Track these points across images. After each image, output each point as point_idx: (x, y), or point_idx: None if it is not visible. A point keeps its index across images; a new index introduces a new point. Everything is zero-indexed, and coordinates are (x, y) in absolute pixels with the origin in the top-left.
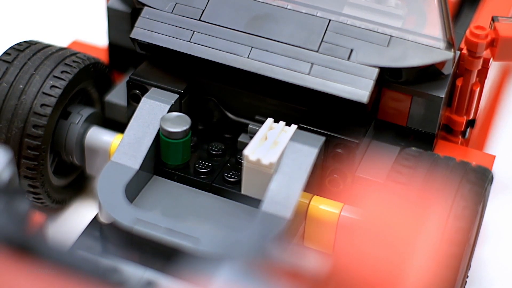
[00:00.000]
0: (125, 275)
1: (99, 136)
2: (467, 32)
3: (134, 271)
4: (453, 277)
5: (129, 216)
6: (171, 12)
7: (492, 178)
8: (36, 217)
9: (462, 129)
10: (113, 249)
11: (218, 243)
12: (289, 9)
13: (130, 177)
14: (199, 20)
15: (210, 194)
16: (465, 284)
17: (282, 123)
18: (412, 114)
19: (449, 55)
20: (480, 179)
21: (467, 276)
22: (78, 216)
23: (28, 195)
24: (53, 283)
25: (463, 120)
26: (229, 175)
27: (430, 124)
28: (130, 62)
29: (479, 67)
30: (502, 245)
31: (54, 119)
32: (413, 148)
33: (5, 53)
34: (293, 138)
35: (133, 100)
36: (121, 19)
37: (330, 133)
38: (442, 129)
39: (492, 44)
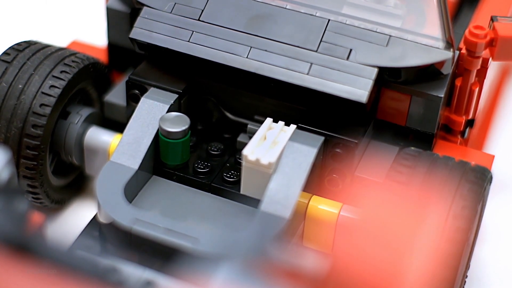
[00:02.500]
0: (124, 275)
1: (98, 136)
2: (466, 32)
3: (133, 271)
4: (452, 276)
5: (128, 216)
6: (170, 12)
7: (491, 177)
8: (35, 217)
9: (461, 129)
10: (112, 249)
11: (217, 243)
12: (288, 9)
13: (129, 177)
14: (198, 20)
15: (209, 194)
16: (464, 284)
17: (281, 123)
18: (411, 113)
19: (448, 54)
20: (479, 179)
21: (466, 276)
22: (78, 216)
23: (27, 195)
24: (52, 283)
25: (462, 120)
26: (228, 175)
27: (429, 123)
28: (129, 62)
29: (478, 67)
30: (502, 245)
31: (53, 119)
32: (412, 147)
33: (5, 53)
34: (292, 138)
35: (132, 100)
36: (120, 19)
37: (329, 133)
38: (441, 129)
39: (491, 44)
